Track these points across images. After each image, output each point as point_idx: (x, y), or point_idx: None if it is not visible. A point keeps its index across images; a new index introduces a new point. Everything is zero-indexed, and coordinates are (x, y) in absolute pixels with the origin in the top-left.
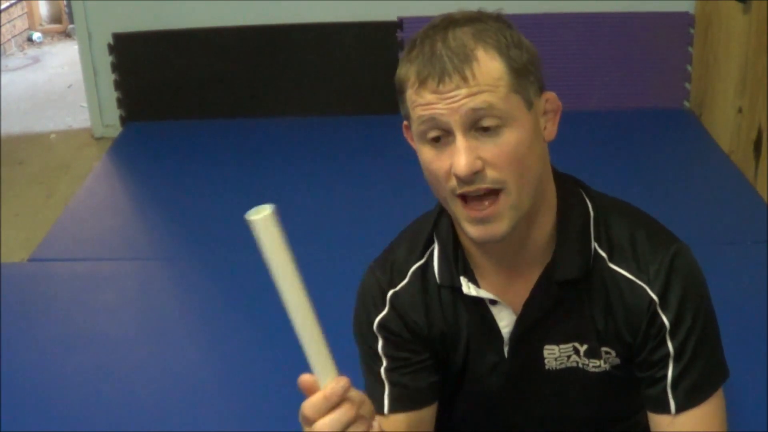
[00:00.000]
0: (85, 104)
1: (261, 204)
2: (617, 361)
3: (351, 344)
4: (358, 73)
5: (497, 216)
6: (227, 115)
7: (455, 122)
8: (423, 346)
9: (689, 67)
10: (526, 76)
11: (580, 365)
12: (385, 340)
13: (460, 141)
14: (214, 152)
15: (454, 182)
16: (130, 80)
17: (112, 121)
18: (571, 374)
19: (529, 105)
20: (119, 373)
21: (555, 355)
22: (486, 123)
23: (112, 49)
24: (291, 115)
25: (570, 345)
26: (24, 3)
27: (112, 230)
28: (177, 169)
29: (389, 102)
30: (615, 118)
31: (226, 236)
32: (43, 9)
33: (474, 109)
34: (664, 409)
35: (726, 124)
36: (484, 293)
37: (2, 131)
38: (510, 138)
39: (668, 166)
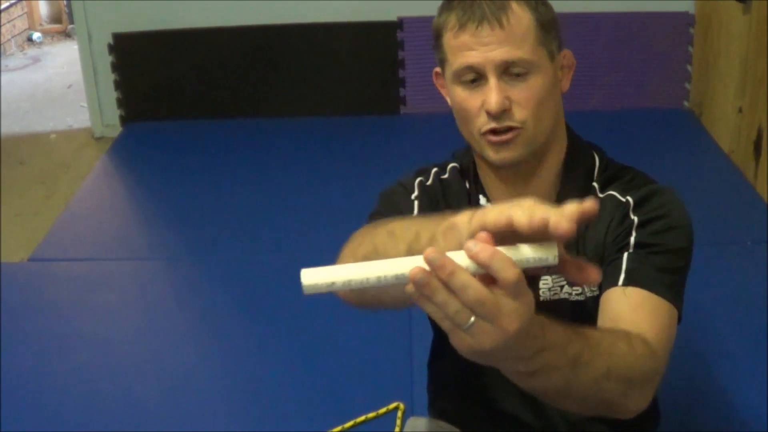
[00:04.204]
0: (85, 104)
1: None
2: (597, 289)
3: (350, 342)
4: (358, 73)
5: (515, 142)
6: (227, 115)
7: (489, 68)
8: None
9: (689, 67)
10: (550, 32)
11: (571, 298)
12: (420, 192)
13: (493, 82)
14: (214, 152)
15: (483, 119)
16: (130, 80)
17: (112, 121)
18: (559, 306)
19: (552, 57)
20: (119, 373)
21: (548, 285)
22: (515, 70)
23: (112, 49)
24: (291, 115)
25: (561, 275)
26: (24, 3)
27: (112, 230)
28: (177, 169)
29: (389, 102)
30: (615, 118)
31: (226, 236)
32: (43, 9)
33: (506, 60)
34: (614, 280)
35: (726, 124)
36: None
37: (2, 131)
38: (535, 83)
39: (668, 166)
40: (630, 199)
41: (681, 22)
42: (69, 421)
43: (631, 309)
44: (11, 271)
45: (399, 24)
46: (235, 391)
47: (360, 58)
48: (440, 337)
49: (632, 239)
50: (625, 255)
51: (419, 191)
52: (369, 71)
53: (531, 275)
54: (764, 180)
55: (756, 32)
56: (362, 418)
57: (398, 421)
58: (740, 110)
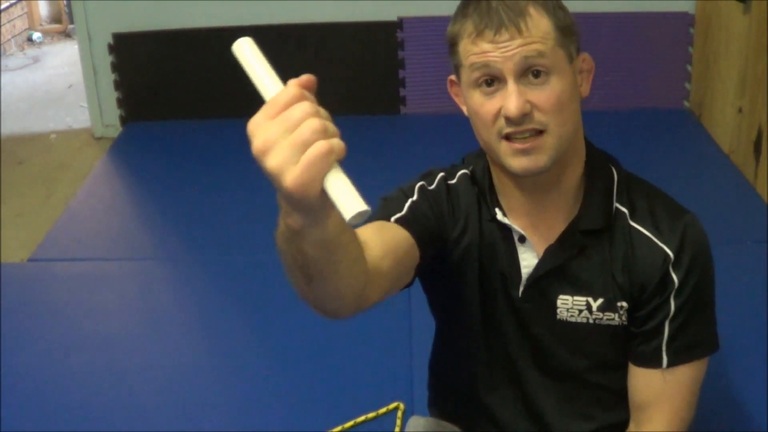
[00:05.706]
0: (85, 104)
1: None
2: (624, 318)
3: (350, 342)
4: (358, 73)
5: (539, 149)
6: (227, 115)
7: (507, 69)
8: (437, 231)
9: (689, 67)
10: (569, 35)
11: (590, 321)
12: (419, 197)
13: (512, 85)
14: (214, 152)
15: (501, 123)
16: (130, 80)
17: (112, 121)
18: (579, 330)
19: (571, 59)
20: (119, 373)
21: (568, 306)
22: (536, 68)
23: (112, 49)
24: None
25: (584, 299)
26: (24, 3)
27: (112, 230)
28: (177, 169)
29: (389, 102)
30: (615, 118)
31: (226, 236)
32: (43, 9)
33: (526, 57)
34: (656, 363)
35: (726, 124)
36: (515, 226)
37: (2, 131)
38: (555, 86)
39: (668, 166)
40: (669, 252)
41: (681, 22)
42: (69, 421)
43: (669, 386)
44: (11, 271)
45: (399, 24)
46: (234, 390)
47: (360, 58)
48: (442, 338)
49: (672, 304)
50: (666, 326)
51: (418, 195)
52: (369, 71)
53: (549, 292)
54: (764, 180)
55: (756, 32)
56: (362, 418)
57: (398, 421)
58: (740, 110)
